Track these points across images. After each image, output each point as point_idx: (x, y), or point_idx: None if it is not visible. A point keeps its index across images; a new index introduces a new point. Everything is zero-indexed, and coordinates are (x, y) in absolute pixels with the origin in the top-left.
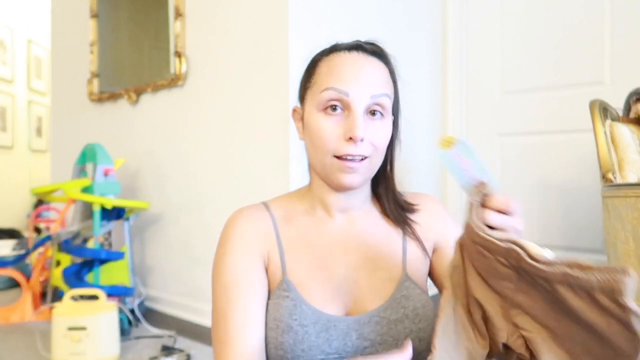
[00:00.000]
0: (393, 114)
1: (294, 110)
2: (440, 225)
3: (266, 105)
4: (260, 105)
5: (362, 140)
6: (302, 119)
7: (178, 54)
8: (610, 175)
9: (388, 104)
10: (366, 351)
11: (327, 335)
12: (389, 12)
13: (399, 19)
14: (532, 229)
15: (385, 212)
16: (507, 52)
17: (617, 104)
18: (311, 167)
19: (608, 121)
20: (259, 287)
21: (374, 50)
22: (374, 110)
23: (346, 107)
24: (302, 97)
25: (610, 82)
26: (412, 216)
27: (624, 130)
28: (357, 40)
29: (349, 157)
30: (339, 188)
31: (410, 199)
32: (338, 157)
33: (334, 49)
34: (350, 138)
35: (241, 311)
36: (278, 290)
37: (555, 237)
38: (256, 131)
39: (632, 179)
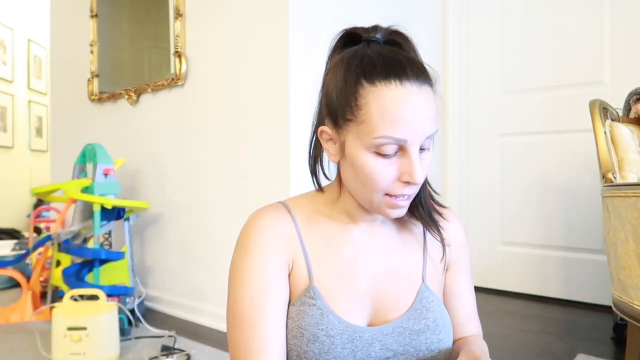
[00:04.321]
0: None
1: (322, 132)
2: (459, 246)
3: (266, 105)
4: (260, 105)
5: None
6: (331, 140)
7: (178, 54)
8: (610, 175)
9: (436, 135)
10: None
11: (352, 346)
12: (388, 12)
13: (398, 19)
14: (532, 229)
15: (414, 216)
16: (507, 52)
17: (617, 104)
18: (345, 187)
19: (608, 121)
20: (284, 293)
21: (419, 74)
22: (423, 147)
23: (401, 149)
24: (335, 120)
25: (610, 82)
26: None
27: (624, 130)
28: (396, 55)
29: (402, 196)
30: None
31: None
32: (389, 195)
33: (375, 71)
34: (408, 182)
35: (271, 318)
36: (304, 297)
37: (555, 237)
38: (256, 131)
39: (632, 179)
